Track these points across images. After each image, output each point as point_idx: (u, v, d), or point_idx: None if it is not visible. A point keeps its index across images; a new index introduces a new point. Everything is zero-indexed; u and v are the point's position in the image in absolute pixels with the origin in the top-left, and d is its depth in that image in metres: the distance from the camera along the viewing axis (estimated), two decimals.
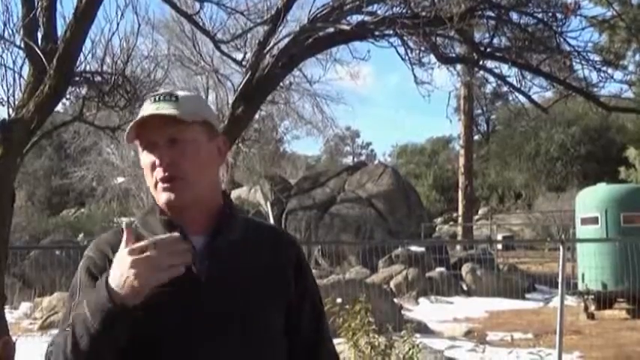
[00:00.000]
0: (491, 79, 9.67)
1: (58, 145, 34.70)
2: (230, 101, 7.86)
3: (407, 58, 8.13)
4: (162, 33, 21.38)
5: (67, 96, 6.46)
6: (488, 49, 8.34)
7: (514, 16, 8.33)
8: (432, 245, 20.30)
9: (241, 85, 7.38)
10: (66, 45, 5.24)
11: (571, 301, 14.72)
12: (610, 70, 8.79)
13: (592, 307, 14.87)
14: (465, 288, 18.39)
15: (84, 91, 6.76)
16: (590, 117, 34.97)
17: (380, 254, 18.97)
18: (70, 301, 2.01)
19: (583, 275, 15.04)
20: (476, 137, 40.96)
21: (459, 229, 29.59)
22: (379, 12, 7.55)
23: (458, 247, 24.98)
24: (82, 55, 5.78)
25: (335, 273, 16.98)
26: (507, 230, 30.61)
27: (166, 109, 1.97)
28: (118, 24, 6.22)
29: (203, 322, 1.93)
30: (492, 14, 8.21)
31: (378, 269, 19.01)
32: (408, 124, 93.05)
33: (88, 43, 5.86)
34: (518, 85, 8.61)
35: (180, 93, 2.04)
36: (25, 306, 15.54)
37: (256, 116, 16.97)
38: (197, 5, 7.43)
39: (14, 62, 5.95)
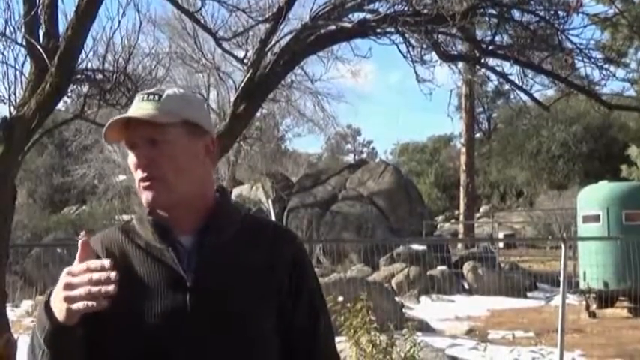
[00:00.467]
0: (493, 76, 9.65)
1: (60, 142, 34.69)
2: (231, 99, 7.86)
3: (409, 55, 8.13)
4: (163, 30, 21.38)
5: (69, 94, 6.46)
6: (490, 47, 8.34)
7: (516, 13, 8.32)
8: (434, 243, 20.33)
9: (243, 83, 7.38)
10: (67, 42, 5.23)
11: (572, 299, 14.73)
12: (612, 68, 8.79)
13: (593, 306, 14.87)
14: (466, 286, 18.40)
15: (85, 88, 6.76)
16: (591, 115, 34.94)
17: (381, 252, 18.99)
18: None
19: (584, 273, 15.04)
20: (477, 135, 41.02)
21: (461, 227, 29.60)
22: (381, 9, 7.55)
23: (459, 245, 24.99)
24: (83, 52, 5.79)
25: (336, 271, 17.02)
26: (509, 228, 30.59)
27: (146, 109, 1.96)
28: (119, 21, 6.24)
29: (190, 324, 1.91)
30: (494, 12, 8.21)
31: (380, 267, 19.02)
32: (410, 122, 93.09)
33: (89, 41, 5.87)
34: (520, 83, 8.60)
35: (168, 91, 2.02)
36: (26, 304, 15.57)
37: (257, 114, 16.95)
38: (199, 3, 7.43)
39: (16, 60, 5.96)
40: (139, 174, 1.98)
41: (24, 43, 5.78)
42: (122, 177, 27.02)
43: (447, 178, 42.52)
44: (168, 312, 1.91)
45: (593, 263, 14.72)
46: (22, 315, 14.71)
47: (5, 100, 5.85)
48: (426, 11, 7.41)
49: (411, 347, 7.83)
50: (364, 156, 57.24)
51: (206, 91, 25.47)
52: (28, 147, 5.86)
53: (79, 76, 6.16)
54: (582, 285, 15.06)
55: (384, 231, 23.26)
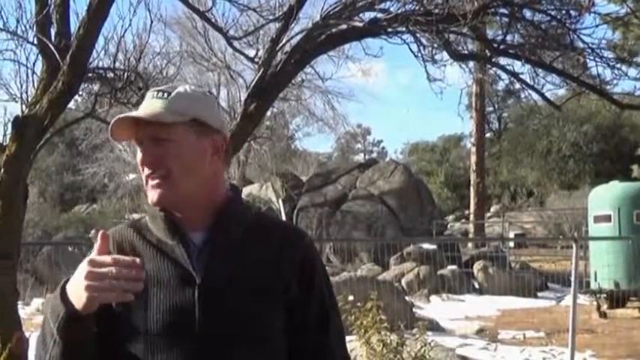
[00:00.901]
0: (504, 76, 9.64)
1: (70, 141, 34.80)
2: (242, 98, 7.88)
3: (419, 54, 8.12)
4: (174, 30, 21.45)
5: (80, 92, 6.47)
6: (501, 46, 8.32)
7: (527, 13, 8.30)
8: (444, 243, 20.31)
9: (253, 82, 7.39)
10: (79, 41, 5.24)
11: (583, 299, 14.67)
12: (624, 68, 8.75)
13: (604, 306, 14.82)
14: (476, 286, 18.36)
15: (96, 87, 6.79)
16: (603, 115, 34.81)
17: (391, 252, 18.96)
18: None
19: (595, 274, 15.00)
20: (488, 135, 40.91)
21: (471, 227, 29.53)
22: (392, 9, 7.54)
23: (470, 244, 24.91)
24: (94, 51, 5.81)
25: (346, 270, 16.98)
26: (519, 228, 30.49)
27: (155, 107, 1.98)
28: (130, 21, 6.26)
29: (198, 320, 1.92)
30: (505, 11, 8.19)
31: (390, 267, 19.00)
32: (420, 121, 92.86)
33: (100, 40, 5.88)
34: (531, 83, 8.58)
35: (179, 89, 2.03)
36: (37, 302, 15.60)
37: (268, 113, 16.95)
38: (209, 2, 7.45)
39: (27, 58, 5.99)
40: (145, 171, 2.00)
41: (36, 42, 5.80)
42: (132, 175, 27.10)
43: (457, 177, 42.40)
44: (177, 308, 1.92)
45: (604, 263, 14.67)
46: (33, 313, 14.75)
47: (17, 99, 5.89)
48: (437, 10, 7.40)
49: (422, 347, 7.82)
50: (374, 155, 57.16)
51: (216, 89, 25.49)
52: (39, 146, 5.87)
53: (90, 74, 6.18)
54: (593, 285, 15.01)
55: (394, 230, 23.25)
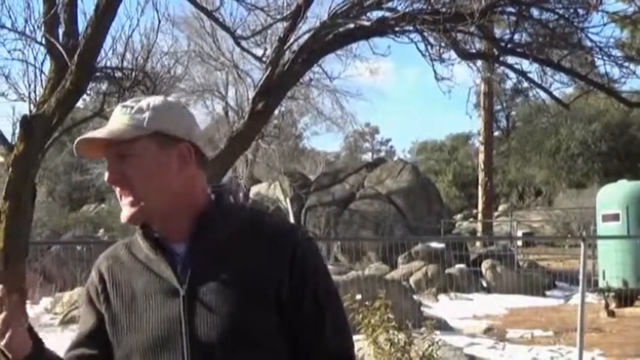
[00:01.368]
0: (512, 74, 9.64)
1: None
2: (250, 97, 7.89)
3: (427, 54, 8.13)
4: (182, 29, 21.45)
5: (88, 92, 6.50)
6: (509, 45, 8.31)
7: (535, 12, 8.29)
8: (452, 242, 20.29)
9: (261, 81, 7.40)
10: (87, 41, 5.26)
11: (591, 298, 14.62)
12: (632, 66, 8.74)
13: (613, 305, 14.77)
14: (484, 285, 18.33)
15: (104, 86, 6.81)
16: (611, 113, 34.71)
17: (399, 250, 18.93)
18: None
19: (604, 272, 14.96)
20: (496, 133, 40.86)
21: (479, 226, 29.50)
22: (399, 8, 7.54)
23: (478, 243, 24.84)
24: (102, 51, 5.83)
25: (354, 269, 16.98)
26: (527, 227, 30.41)
27: (118, 124, 1.99)
28: (138, 20, 6.29)
29: (187, 332, 1.92)
30: (513, 10, 8.18)
31: (398, 265, 18.98)
32: (428, 120, 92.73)
33: (108, 40, 5.91)
34: (539, 81, 8.57)
35: (141, 103, 2.02)
36: (45, 301, 15.63)
37: (276, 112, 16.96)
38: (217, 1, 7.46)
39: (35, 58, 6.01)
40: (116, 189, 2.00)
41: (44, 42, 5.82)
42: None
43: (465, 176, 42.36)
44: (165, 322, 1.94)
45: (613, 262, 14.64)
46: (41, 312, 14.79)
47: (25, 98, 5.91)
48: (444, 9, 7.40)
49: (429, 346, 7.82)
50: (382, 154, 57.12)
51: (224, 88, 25.56)
52: (47, 145, 5.89)
53: (98, 74, 6.20)
54: (601, 284, 14.97)
55: (402, 229, 23.24)
